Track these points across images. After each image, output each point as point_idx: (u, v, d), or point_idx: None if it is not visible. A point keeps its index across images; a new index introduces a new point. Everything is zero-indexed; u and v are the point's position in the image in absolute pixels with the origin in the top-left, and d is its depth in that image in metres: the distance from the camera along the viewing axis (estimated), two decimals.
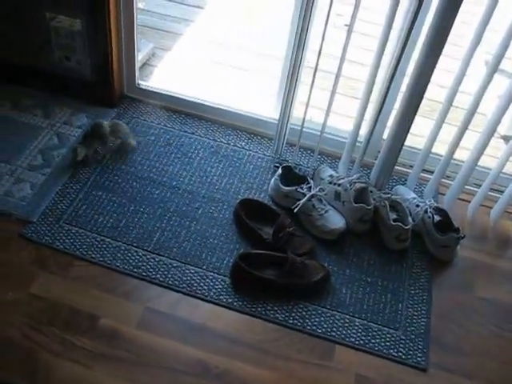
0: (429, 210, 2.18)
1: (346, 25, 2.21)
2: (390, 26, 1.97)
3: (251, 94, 2.71)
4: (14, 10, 2.34)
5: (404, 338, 1.93)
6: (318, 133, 2.30)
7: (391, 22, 1.96)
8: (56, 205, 2.16)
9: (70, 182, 2.24)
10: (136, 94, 2.58)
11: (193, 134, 2.49)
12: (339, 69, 2.09)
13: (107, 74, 2.42)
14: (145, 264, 2.02)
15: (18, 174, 2.24)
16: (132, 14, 2.34)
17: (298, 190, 2.16)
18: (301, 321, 1.93)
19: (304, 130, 2.30)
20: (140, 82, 2.57)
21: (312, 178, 2.27)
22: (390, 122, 2.18)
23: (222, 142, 2.48)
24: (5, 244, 2.04)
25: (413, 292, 2.06)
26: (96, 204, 2.18)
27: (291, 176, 2.23)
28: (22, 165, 2.27)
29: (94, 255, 2.02)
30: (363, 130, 2.24)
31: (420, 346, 1.92)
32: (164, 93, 2.57)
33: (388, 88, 2.05)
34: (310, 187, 2.17)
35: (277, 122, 2.36)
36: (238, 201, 2.20)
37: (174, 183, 2.29)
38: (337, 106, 2.32)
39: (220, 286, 2.00)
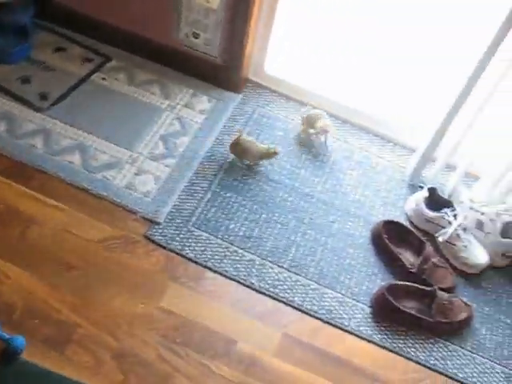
0: None
1: None
2: None
3: (384, 98, 2.38)
4: None
5: None
6: (463, 149, 2.12)
7: None
8: (183, 204, 1.99)
9: (196, 177, 2.06)
10: (262, 79, 2.36)
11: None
12: None
13: (238, 56, 2.19)
14: (281, 283, 1.88)
15: (140, 163, 2.05)
16: None
17: (445, 217, 2.01)
18: (442, 362, 1.82)
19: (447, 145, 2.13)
20: (268, 67, 2.34)
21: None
22: None
23: (353, 145, 2.29)
24: (132, 246, 1.88)
25: None
26: (226, 207, 2.01)
27: (434, 198, 2.07)
28: (142, 152, 2.08)
29: (227, 268, 1.87)
30: None
31: None
32: (292, 82, 2.35)
33: None
34: (455, 214, 2.02)
35: (414, 130, 2.19)
36: (378, 220, 2.05)
37: (307, 190, 2.11)
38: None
39: (360, 316, 1.87)
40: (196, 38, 2.19)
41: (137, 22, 2.26)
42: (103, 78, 2.26)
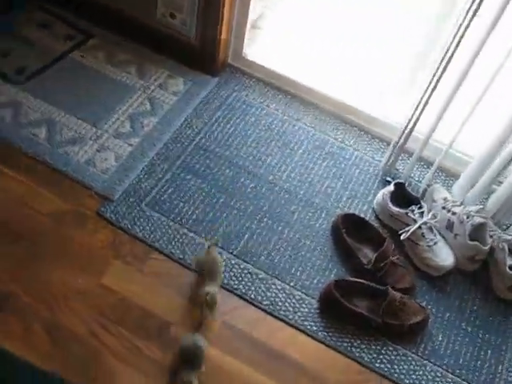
0: None
1: None
2: None
3: (366, 88, 2.33)
4: None
5: None
6: (440, 145, 2.02)
7: None
8: (140, 183, 1.96)
9: (157, 158, 2.03)
10: (240, 64, 2.31)
11: (298, 120, 2.22)
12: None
13: (214, 40, 2.15)
14: (228, 270, 1.82)
15: (104, 140, 2.04)
16: None
17: (409, 214, 1.91)
18: (388, 366, 1.72)
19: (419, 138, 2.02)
20: (247, 51, 2.29)
21: (423, 197, 2.02)
22: None
23: (328, 135, 2.21)
24: (81, 221, 1.87)
25: None
26: (183, 189, 1.97)
27: (402, 193, 1.97)
28: (108, 130, 2.06)
29: (173, 250, 1.84)
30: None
31: None
32: (271, 68, 2.29)
33: None
34: (423, 212, 1.92)
35: (394, 123, 2.10)
36: (338, 212, 1.97)
37: (271, 178, 2.05)
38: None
39: (306, 310, 1.79)
40: (173, 18, 2.16)
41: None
42: (82, 56, 2.26)
